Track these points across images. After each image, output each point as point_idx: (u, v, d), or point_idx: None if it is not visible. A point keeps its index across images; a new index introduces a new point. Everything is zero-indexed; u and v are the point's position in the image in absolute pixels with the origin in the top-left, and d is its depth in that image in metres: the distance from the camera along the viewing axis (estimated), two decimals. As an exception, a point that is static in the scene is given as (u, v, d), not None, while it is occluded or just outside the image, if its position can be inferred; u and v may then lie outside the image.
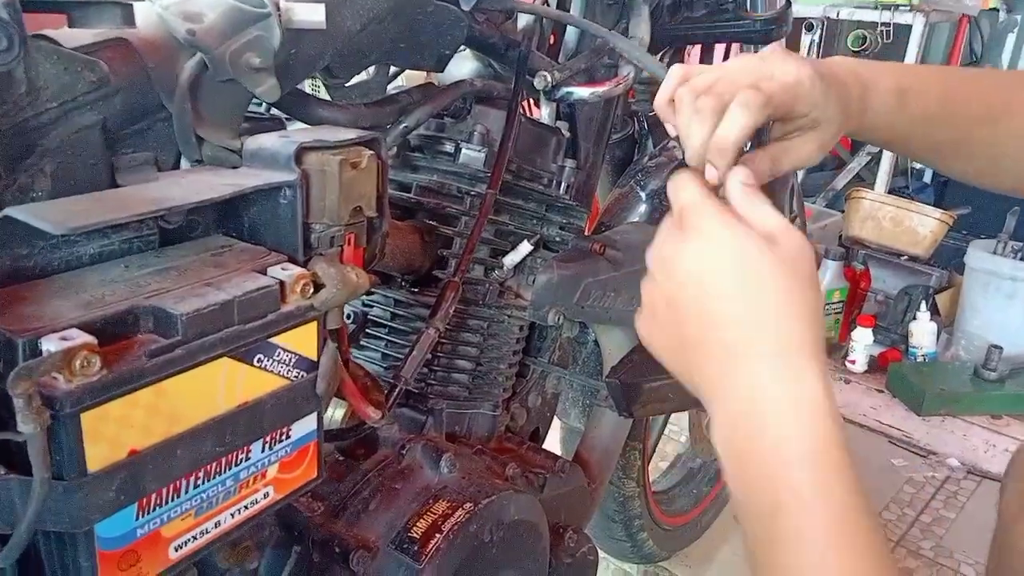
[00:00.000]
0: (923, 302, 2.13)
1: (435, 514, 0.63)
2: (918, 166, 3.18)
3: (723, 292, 0.50)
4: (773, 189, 1.17)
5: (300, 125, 0.64)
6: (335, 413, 0.77)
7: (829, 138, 0.60)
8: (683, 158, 0.57)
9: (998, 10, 3.25)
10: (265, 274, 0.46)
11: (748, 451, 0.49)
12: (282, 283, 0.46)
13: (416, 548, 0.61)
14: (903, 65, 0.66)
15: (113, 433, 0.38)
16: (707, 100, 0.55)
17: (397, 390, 0.65)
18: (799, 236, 0.51)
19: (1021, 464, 0.70)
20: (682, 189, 0.54)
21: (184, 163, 0.55)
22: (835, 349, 2.20)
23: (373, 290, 0.80)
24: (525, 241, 0.81)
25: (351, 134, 0.53)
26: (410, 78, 0.91)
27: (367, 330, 0.82)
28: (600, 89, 0.79)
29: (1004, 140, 0.65)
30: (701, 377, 0.53)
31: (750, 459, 0.49)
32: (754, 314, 0.50)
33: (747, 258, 0.50)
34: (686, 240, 0.52)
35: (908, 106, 0.62)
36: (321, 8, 0.53)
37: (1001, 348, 1.96)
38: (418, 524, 0.62)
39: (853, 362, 2.11)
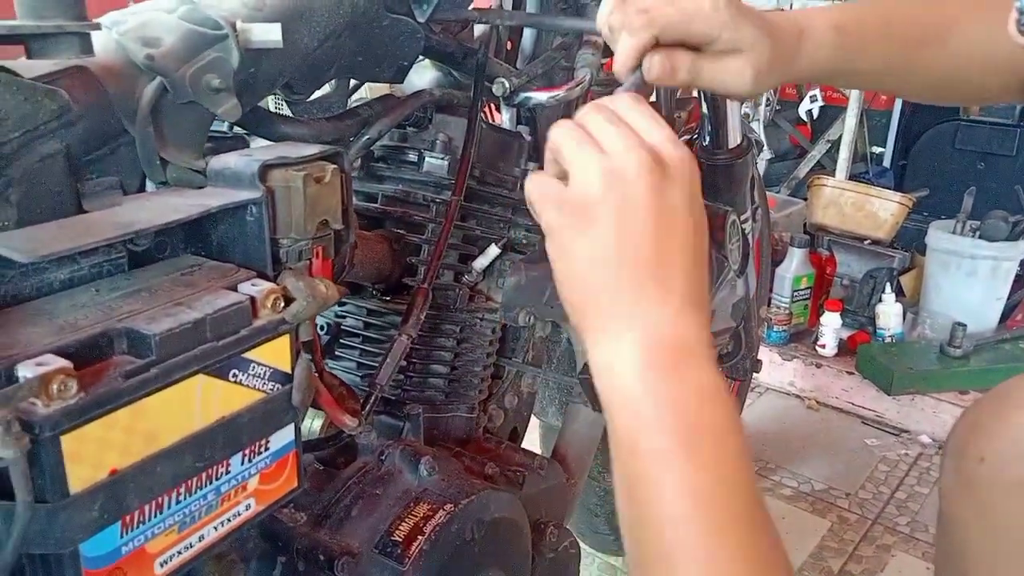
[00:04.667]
0: (888, 284, 2.18)
1: (416, 516, 0.64)
2: (877, 150, 3.24)
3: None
4: (732, 177, 1.19)
5: (263, 142, 0.65)
6: (313, 424, 0.78)
7: (763, 67, 0.61)
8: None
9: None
10: (236, 290, 0.47)
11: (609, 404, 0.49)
12: (253, 298, 0.46)
13: (399, 551, 0.62)
14: (840, 3, 0.68)
15: (93, 454, 0.39)
16: (616, 17, 0.60)
17: (372, 398, 0.66)
18: (682, 150, 0.50)
19: (955, 442, 0.72)
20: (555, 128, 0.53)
21: (150, 185, 0.55)
22: (805, 334, 2.24)
23: (345, 300, 0.81)
24: (493, 245, 0.82)
25: (313, 149, 0.54)
26: (373, 89, 0.92)
27: (341, 340, 0.83)
28: (558, 93, 0.81)
29: (944, 61, 0.67)
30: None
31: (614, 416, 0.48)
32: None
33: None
34: (589, 148, 0.50)
35: (846, 42, 0.64)
36: (277, 27, 0.54)
37: (965, 325, 2.01)
38: (400, 527, 0.63)
39: (823, 346, 2.15)
